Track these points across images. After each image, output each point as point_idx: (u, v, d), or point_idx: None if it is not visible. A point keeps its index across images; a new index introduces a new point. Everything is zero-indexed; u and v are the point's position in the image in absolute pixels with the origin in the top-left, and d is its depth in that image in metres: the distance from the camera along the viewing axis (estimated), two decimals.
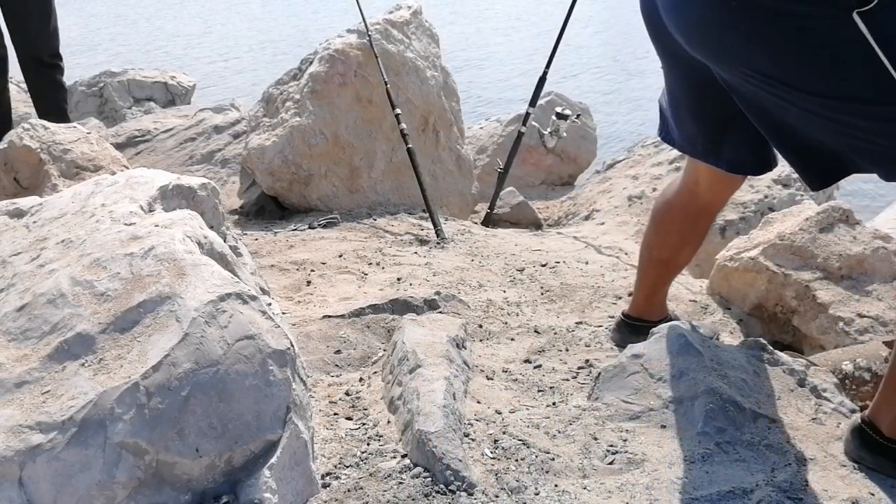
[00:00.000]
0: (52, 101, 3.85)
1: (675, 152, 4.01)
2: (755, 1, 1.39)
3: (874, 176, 1.54)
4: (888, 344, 1.96)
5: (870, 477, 1.52)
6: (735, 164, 1.81)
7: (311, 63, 3.80)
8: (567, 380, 1.93)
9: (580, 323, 2.29)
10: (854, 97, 1.39)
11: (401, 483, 1.46)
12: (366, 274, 2.70)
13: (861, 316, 2.23)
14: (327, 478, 1.50)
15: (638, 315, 2.11)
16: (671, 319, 2.04)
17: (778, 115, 1.54)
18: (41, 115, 3.67)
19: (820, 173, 1.61)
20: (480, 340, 2.17)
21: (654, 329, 1.90)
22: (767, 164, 1.80)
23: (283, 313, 2.03)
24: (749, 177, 2.13)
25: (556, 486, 1.47)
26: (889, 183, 1.53)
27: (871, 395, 1.83)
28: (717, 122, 1.75)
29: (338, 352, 2.06)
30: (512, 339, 2.19)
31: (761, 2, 1.39)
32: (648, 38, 1.75)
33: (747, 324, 2.43)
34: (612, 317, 2.34)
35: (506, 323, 2.30)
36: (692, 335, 1.81)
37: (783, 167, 3.73)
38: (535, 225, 4.22)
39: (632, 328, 2.10)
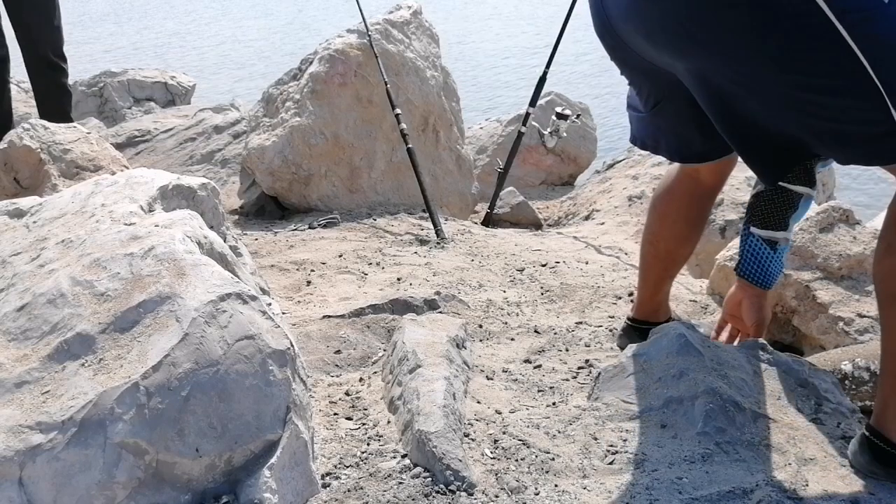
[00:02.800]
0: (57, 105, 3.84)
1: None
2: None
3: (875, 177, 1.54)
4: None
5: (870, 477, 1.52)
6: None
7: (310, 63, 3.80)
8: (567, 380, 1.93)
9: (580, 323, 2.29)
10: (818, 73, 1.40)
11: (401, 483, 1.46)
12: (366, 274, 2.70)
13: (861, 316, 2.23)
14: (327, 478, 1.50)
15: (644, 317, 2.07)
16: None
17: (741, 107, 1.54)
18: (43, 118, 3.66)
19: (776, 166, 1.64)
20: (480, 340, 2.17)
21: (654, 329, 1.90)
22: None
23: (283, 313, 2.03)
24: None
25: (556, 486, 1.47)
26: (885, 181, 1.53)
27: (870, 396, 1.83)
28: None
29: (338, 352, 2.07)
30: (512, 339, 2.19)
31: None
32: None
33: None
34: (613, 317, 2.34)
35: (506, 323, 2.30)
36: (692, 335, 1.81)
37: None
38: (535, 225, 4.22)
39: (640, 332, 2.03)
